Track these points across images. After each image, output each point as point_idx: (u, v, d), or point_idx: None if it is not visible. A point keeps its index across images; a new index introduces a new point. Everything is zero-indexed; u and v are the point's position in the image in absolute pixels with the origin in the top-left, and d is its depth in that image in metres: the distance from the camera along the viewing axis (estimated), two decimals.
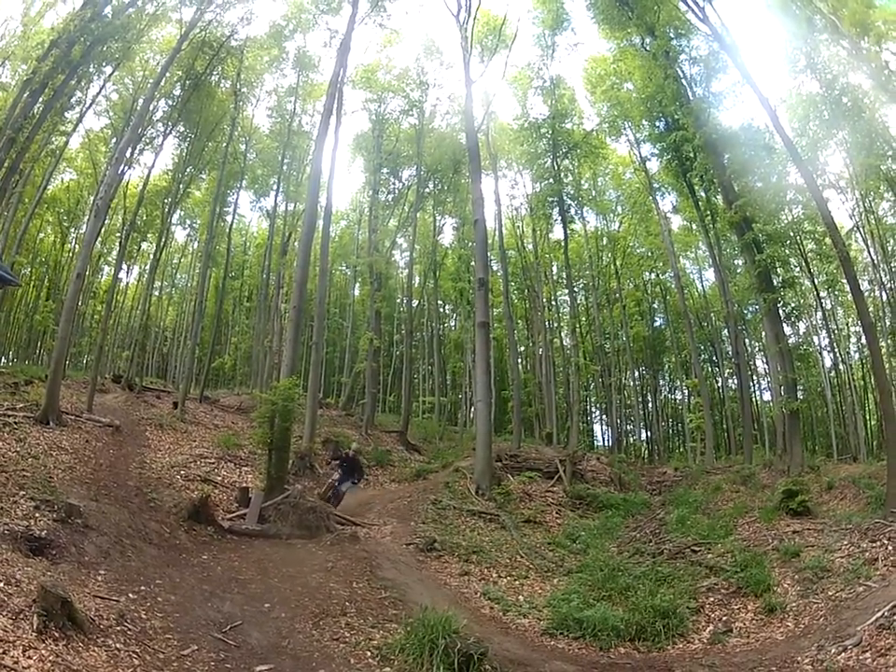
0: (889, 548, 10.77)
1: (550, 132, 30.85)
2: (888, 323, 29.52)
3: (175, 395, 24.67)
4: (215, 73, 27.52)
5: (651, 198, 31.92)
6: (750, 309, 29.06)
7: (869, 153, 26.63)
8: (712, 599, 10.66)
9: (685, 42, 25.01)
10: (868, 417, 33.16)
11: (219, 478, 14.99)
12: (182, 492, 12.61)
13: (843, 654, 7.37)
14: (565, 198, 31.67)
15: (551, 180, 30.88)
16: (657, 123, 27.68)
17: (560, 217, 31.67)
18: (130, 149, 24.12)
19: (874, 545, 11.15)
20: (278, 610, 7.39)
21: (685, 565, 12.15)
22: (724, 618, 10.01)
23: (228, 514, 12.05)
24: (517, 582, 11.51)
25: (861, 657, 7.21)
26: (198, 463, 15.76)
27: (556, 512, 16.65)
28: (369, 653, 6.56)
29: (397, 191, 34.13)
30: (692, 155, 25.06)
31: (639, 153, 31.64)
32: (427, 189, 33.13)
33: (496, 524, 14.50)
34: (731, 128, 24.31)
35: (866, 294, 29.84)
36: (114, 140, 28.29)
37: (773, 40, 37.78)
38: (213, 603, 7.23)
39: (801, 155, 21.42)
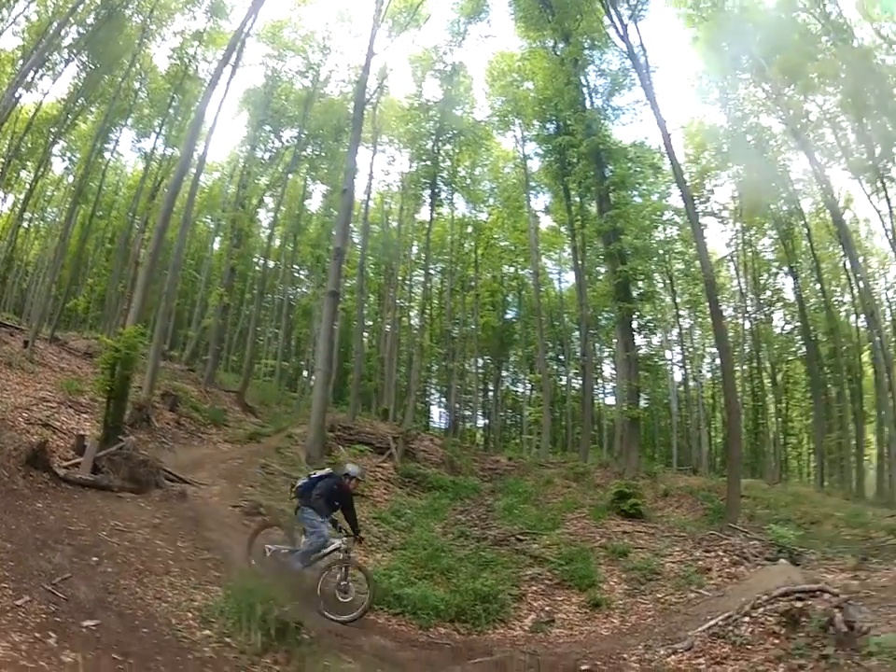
0: (725, 560, 11.16)
1: (439, 115, 31.27)
2: (746, 349, 32.17)
3: (29, 333, 22.95)
4: (131, 6, 27.72)
5: (525, 195, 32.88)
6: (605, 315, 30.26)
7: (761, 192, 28.68)
8: (535, 589, 10.62)
9: (598, 54, 25.62)
10: (713, 434, 35.94)
11: (59, 423, 14.07)
12: (23, 435, 11.79)
13: (673, 657, 7.35)
14: (438, 181, 32.24)
15: (429, 162, 31.43)
16: (547, 125, 28.43)
17: (430, 200, 32.27)
18: (32, 73, 24.25)
19: (707, 555, 11.52)
20: (105, 565, 7.18)
21: (509, 552, 12.18)
22: (547, 608, 9.95)
23: (64, 462, 11.46)
24: None
25: (693, 662, 7.19)
26: (40, 406, 14.79)
27: (385, 488, 16.61)
28: (190, 615, 6.43)
29: (275, 150, 33.81)
30: (574, 160, 25.71)
31: (523, 150, 32.79)
32: (305, 153, 33.42)
33: None
34: (621, 142, 25.12)
35: (730, 320, 32.43)
36: (21, 62, 26.89)
37: (688, 69, 39.68)
38: (45, 553, 6.93)
39: (686, 180, 22.43)
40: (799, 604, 7.54)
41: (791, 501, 19.07)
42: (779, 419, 33.51)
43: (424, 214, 34.27)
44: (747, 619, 7.58)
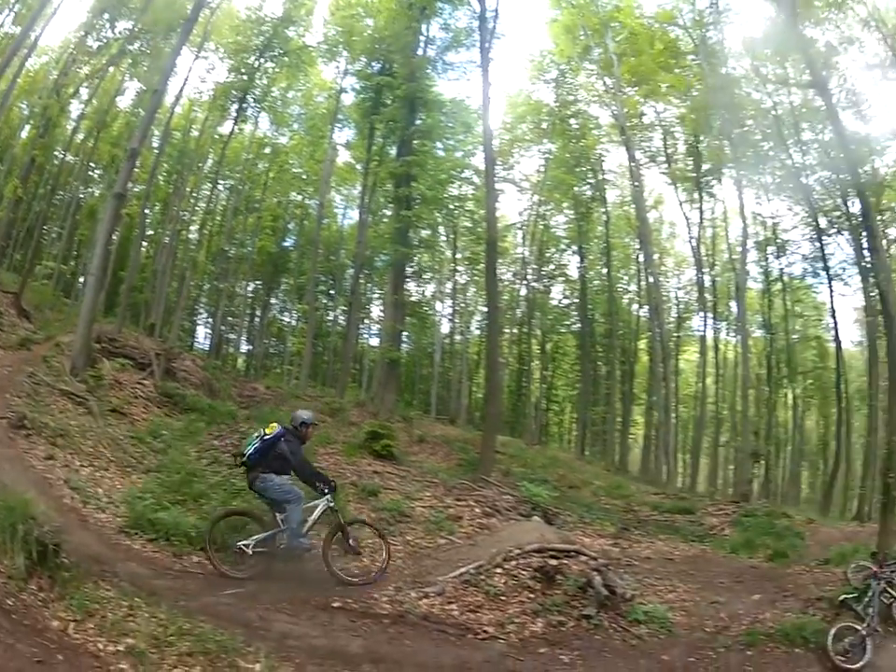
0: (477, 510, 11.83)
1: (271, 32, 30.40)
2: (519, 314, 34.10)
3: None
4: None
5: (330, 126, 32.37)
6: (382, 258, 30.48)
7: (569, 171, 30.22)
8: None
9: (449, 8, 25.15)
10: (474, 389, 37.92)
11: None
12: None
13: (425, 601, 7.60)
14: (249, 97, 31.41)
15: (246, 77, 30.52)
16: (373, 63, 27.76)
17: (236, 114, 31.30)
18: None
19: (459, 503, 12.18)
20: None
21: None
22: None
23: None
24: (98, 474, 10.87)
25: (447, 608, 7.52)
26: None
27: (144, 406, 15.83)
28: None
29: (105, 40, 30.81)
30: (388, 102, 25.58)
31: (341, 83, 32.01)
32: (132, 47, 30.97)
33: (84, 407, 13.56)
34: (441, 95, 25.37)
35: (507, 284, 34.18)
36: None
37: (534, 45, 40.13)
38: None
39: (495, 145, 23.06)
40: (553, 562, 8.22)
41: (548, 463, 20.88)
42: (544, 385, 36.14)
43: (226, 128, 32.82)
44: (499, 570, 8.12)
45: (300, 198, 40.06)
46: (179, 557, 8.41)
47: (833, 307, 26.79)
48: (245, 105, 31.18)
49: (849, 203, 23.86)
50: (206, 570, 8.11)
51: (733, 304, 31.32)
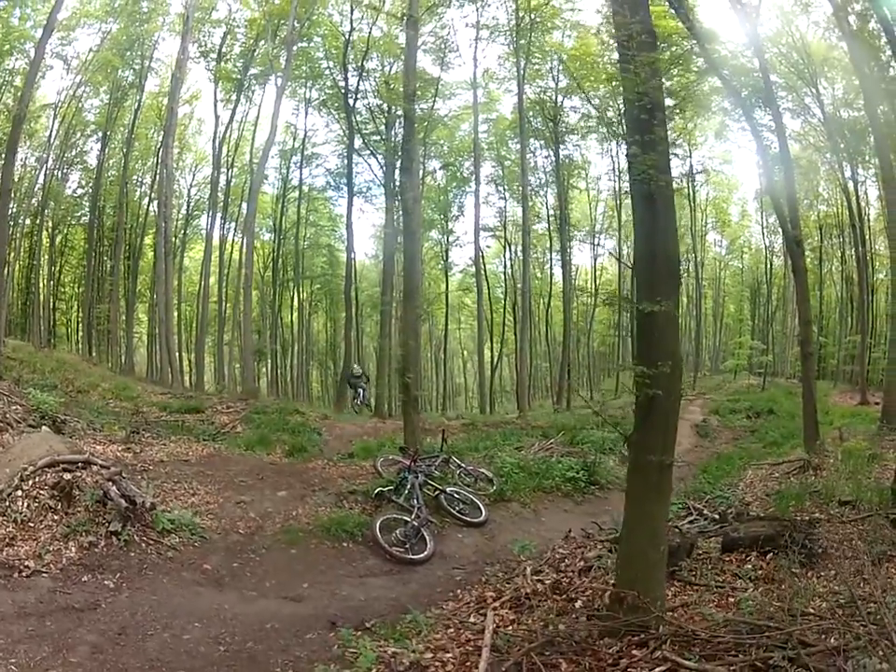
0: None
1: None
2: (35, 204, 28.51)
3: None
4: None
5: None
6: None
7: (120, 53, 26.63)
8: None
9: None
10: None
11: None
12: None
13: None
14: None
15: None
16: None
17: None
18: None
19: None
20: None
21: None
22: None
23: None
24: None
25: None
26: None
27: None
28: None
29: None
30: None
31: None
32: None
33: None
34: None
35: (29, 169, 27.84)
36: None
37: None
38: None
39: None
40: (68, 476, 7.60)
41: (56, 367, 18.47)
42: (52, 282, 31.92)
43: None
44: (20, 493, 7.24)
45: None
46: None
47: (349, 220, 29.30)
48: None
49: (391, 131, 26.61)
50: None
51: (244, 206, 31.67)
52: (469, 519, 9.61)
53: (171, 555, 7.24)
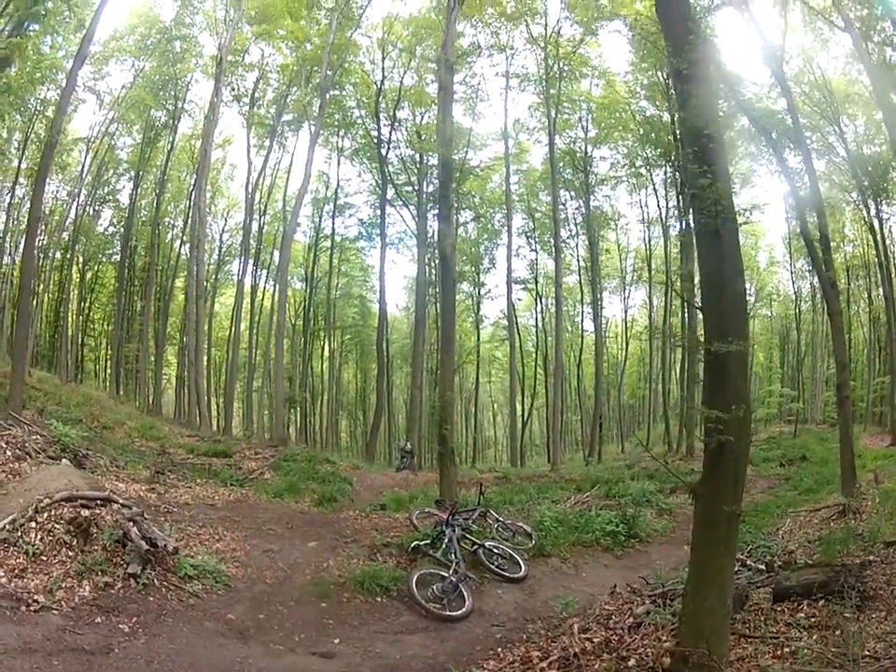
0: (8, 453, 9.60)
1: None
2: (66, 237, 28.65)
3: None
4: None
5: None
6: None
7: (153, 92, 27.18)
8: None
9: None
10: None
11: None
12: None
13: None
14: None
15: None
16: None
17: None
18: None
19: None
20: None
21: None
22: None
23: None
24: None
25: None
26: None
27: None
28: None
29: None
30: None
31: None
32: None
33: None
34: None
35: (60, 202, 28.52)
36: None
37: None
38: None
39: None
40: (86, 512, 7.15)
41: (82, 402, 18.33)
42: (81, 317, 32.30)
43: None
44: (34, 524, 6.81)
45: None
46: None
47: (382, 271, 29.26)
48: None
49: (424, 182, 26.70)
50: None
51: (276, 254, 32.07)
52: (508, 574, 8.95)
53: (192, 602, 6.68)
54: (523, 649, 6.43)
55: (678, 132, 25.68)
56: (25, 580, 6.12)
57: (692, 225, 27.19)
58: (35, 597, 5.93)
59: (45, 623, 5.63)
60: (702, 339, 5.02)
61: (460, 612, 7.52)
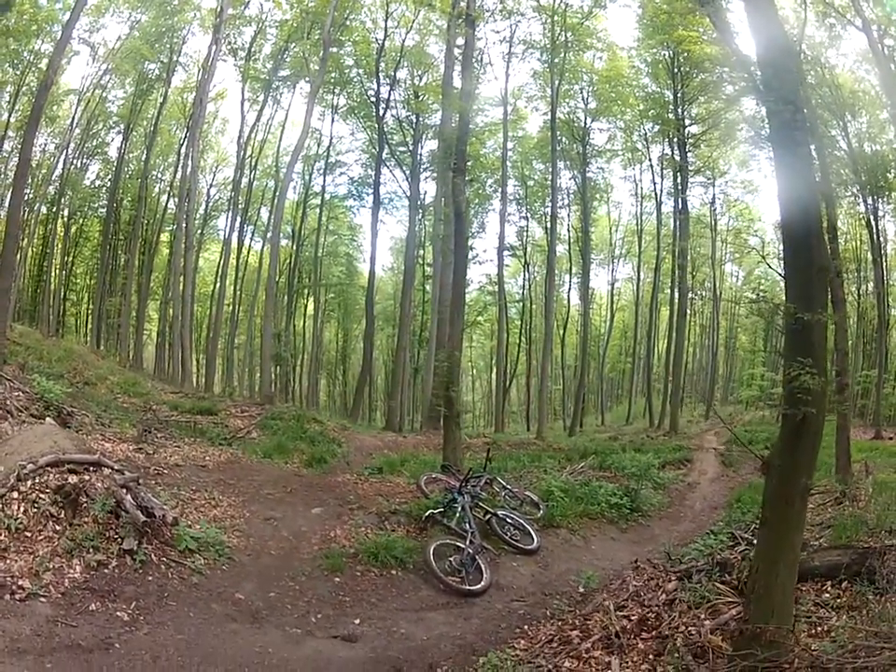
0: None
1: None
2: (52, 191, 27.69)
3: None
4: None
5: None
6: None
7: (149, 44, 26.07)
8: None
9: None
10: None
11: None
12: None
13: None
14: None
15: None
16: None
17: None
18: None
19: None
20: None
21: None
22: None
23: None
24: None
25: None
26: None
27: None
28: None
29: None
30: None
31: None
32: None
33: None
34: None
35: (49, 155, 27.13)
36: None
37: None
38: None
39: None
40: (74, 478, 6.23)
41: (64, 356, 17.44)
42: (64, 272, 31.15)
43: None
44: (16, 494, 5.81)
45: None
46: None
47: (375, 230, 28.17)
48: None
49: (419, 144, 25.61)
50: None
51: (263, 210, 31.15)
52: (521, 546, 8.30)
53: (196, 581, 5.88)
54: (553, 627, 5.90)
55: (680, 109, 25.21)
56: (8, 561, 5.26)
57: (688, 203, 26.82)
58: (20, 582, 5.10)
59: (32, 613, 4.84)
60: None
61: (479, 586, 6.92)
